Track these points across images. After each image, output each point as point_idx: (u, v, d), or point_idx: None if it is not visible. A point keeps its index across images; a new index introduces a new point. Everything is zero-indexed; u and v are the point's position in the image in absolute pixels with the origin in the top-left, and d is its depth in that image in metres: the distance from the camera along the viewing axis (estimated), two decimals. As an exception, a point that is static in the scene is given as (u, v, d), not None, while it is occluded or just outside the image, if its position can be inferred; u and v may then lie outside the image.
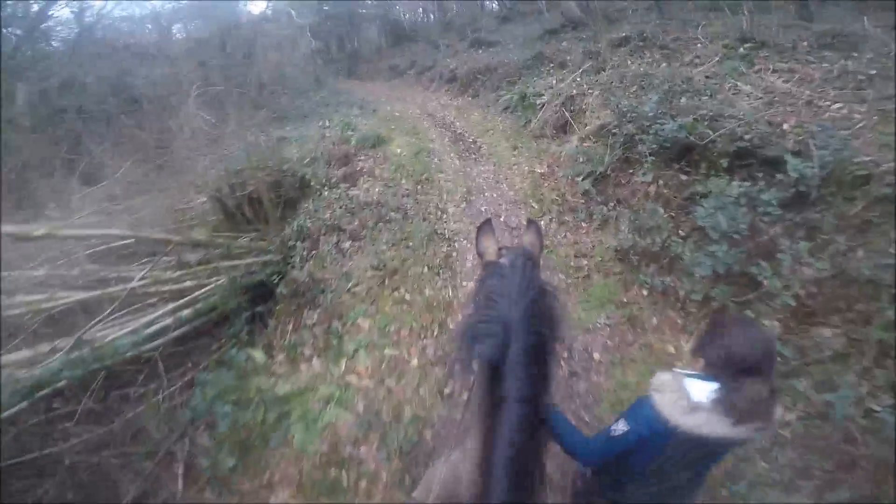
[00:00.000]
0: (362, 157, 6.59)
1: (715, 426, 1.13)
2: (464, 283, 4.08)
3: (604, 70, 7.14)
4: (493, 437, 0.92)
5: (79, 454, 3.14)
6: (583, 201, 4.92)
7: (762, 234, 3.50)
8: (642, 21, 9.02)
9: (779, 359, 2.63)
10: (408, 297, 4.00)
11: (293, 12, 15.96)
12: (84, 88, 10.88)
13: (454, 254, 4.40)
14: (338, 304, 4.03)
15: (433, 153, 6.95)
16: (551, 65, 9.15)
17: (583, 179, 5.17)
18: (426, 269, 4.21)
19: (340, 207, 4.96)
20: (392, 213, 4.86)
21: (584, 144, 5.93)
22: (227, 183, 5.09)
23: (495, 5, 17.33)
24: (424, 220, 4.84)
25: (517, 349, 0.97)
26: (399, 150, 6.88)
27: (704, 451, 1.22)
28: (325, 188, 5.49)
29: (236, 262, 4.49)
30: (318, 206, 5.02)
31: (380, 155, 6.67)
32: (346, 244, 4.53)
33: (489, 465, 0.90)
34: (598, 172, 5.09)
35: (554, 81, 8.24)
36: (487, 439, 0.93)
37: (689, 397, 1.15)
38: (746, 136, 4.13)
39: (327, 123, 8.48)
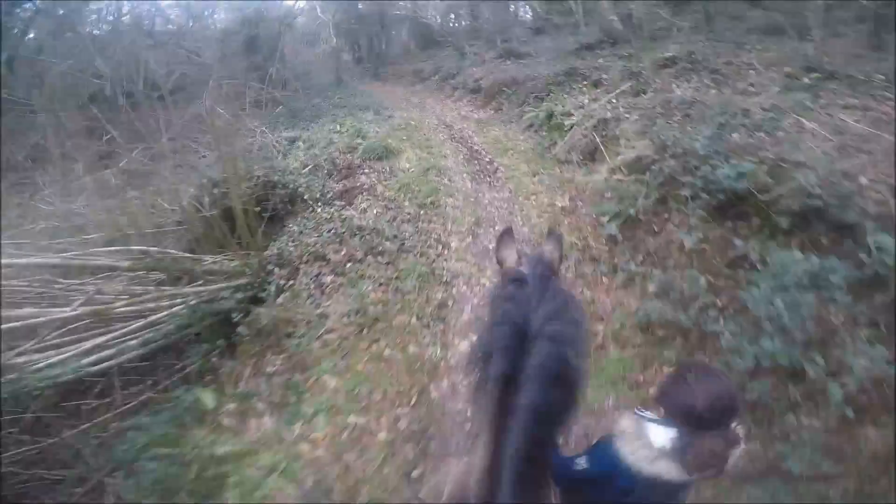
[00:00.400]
0: (366, 170, 6.00)
1: (678, 473, 1.15)
2: (456, 342, 3.42)
3: (644, 93, 6.38)
4: (501, 448, 0.90)
5: (11, 466, 2.80)
6: (607, 249, 4.19)
7: (822, 323, 2.80)
8: (689, 41, 8.20)
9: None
10: (387, 352, 3.36)
11: (318, 7, 15.63)
12: (106, 74, 10.66)
13: (450, 302, 3.73)
14: (305, 353, 3.42)
15: (444, 172, 6.30)
16: (584, 82, 8.41)
17: (609, 220, 4.44)
18: (414, 318, 3.56)
19: (329, 231, 4.36)
20: (386, 243, 4.22)
21: (615, 178, 5.19)
22: (207, 192, 4.56)
23: (528, 15, 16.62)
24: (422, 255, 4.19)
25: (534, 363, 0.93)
26: (408, 166, 6.27)
27: (670, 492, 1.22)
28: (319, 204, 4.91)
29: (202, 287, 3.93)
30: (304, 226, 4.43)
31: (386, 169, 6.07)
32: (328, 278, 3.92)
33: (497, 474, 0.89)
34: (628, 214, 4.35)
35: (586, 101, 7.51)
36: (496, 448, 0.91)
37: (651, 445, 1.17)
38: (816, 191, 3.37)
39: (338, 128, 7.95)
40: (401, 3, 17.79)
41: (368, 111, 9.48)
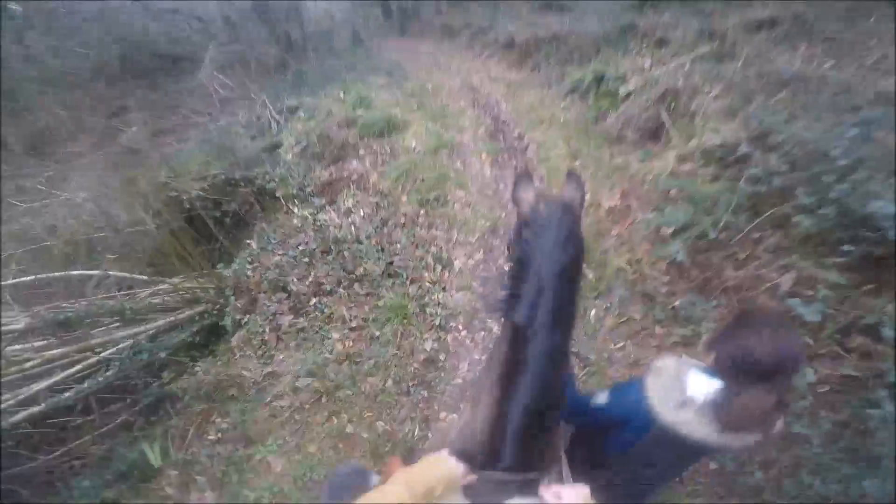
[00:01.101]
0: (362, 151, 4.90)
1: (698, 428, 1.01)
2: (442, 415, 2.43)
3: (730, 60, 4.81)
4: (509, 399, 0.91)
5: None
6: (667, 280, 2.97)
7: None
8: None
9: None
10: (350, 429, 2.42)
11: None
12: (107, 47, 9.86)
13: (441, 356, 2.69)
14: (250, 423, 2.56)
15: (459, 151, 5.10)
16: (645, 42, 6.77)
17: (674, 236, 3.19)
18: (389, 381, 2.57)
19: (298, 247, 3.37)
20: (367, 265, 3.18)
21: (686, 168, 3.87)
22: (164, 194, 3.67)
23: None
24: (413, 280, 3.14)
25: (546, 311, 0.93)
26: (413, 144, 5.09)
27: (682, 451, 1.08)
28: (295, 202, 3.91)
29: (141, 327, 3.09)
30: (268, 240, 3.46)
31: (386, 149, 4.93)
32: (285, 319, 2.96)
33: (503, 427, 0.90)
34: (701, 230, 3.09)
35: (648, 64, 5.95)
36: (504, 399, 0.92)
37: (684, 390, 1.04)
38: None
39: (341, 95, 6.81)
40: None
41: (382, 73, 8.21)
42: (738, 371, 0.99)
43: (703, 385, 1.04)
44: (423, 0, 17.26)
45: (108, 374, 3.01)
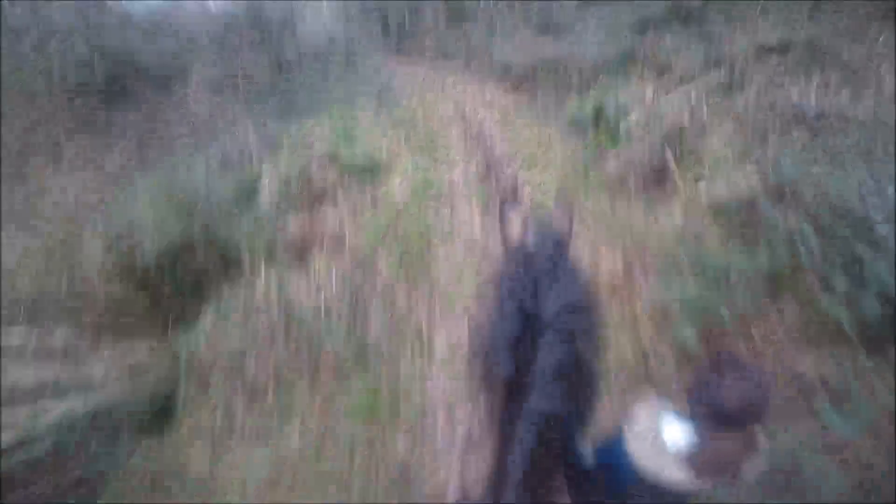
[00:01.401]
0: (340, 197, 4.53)
1: (677, 475, 1.02)
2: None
3: (740, 90, 4.48)
4: (507, 454, 0.83)
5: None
6: (674, 372, 2.57)
7: None
8: (790, 21, 5.94)
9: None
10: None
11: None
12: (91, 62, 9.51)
13: (412, 461, 2.29)
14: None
15: (446, 195, 4.74)
16: (647, 68, 6.46)
17: (684, 318, 2.79)
18: (354, 495, 2.17)
19: (260, 321, 2.98)
20: (335, 347, 2.80)
21: (694, 224, 3.51)
22: (114, 253, 3.30)
23: None
24: (389, 362, 2.74)
25: (544, 363, 0.83)
26: (397, 188, 4.74)
27: (672, 499, 1.07)
28: (262, 263, 3.53)
29: (77, 400, 2.70)
30: (223, 313, 3.07)
31: (367, 197, 4.56)
32: (240, 407, 2.57)
33: (503, 479, 0.83)
34: (715, 311, 2.69)
35: (650, 94, 5.64)
36: (503, 454, 0.84)
37: (664, 448, 1.05)
38: None
39: (326, 123, 6.47)
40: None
41: (372, 97, 7.90)
42: (706, 415, 1.02)
43: (678, 433, 1.05)
44: (421, 21, 17.16)
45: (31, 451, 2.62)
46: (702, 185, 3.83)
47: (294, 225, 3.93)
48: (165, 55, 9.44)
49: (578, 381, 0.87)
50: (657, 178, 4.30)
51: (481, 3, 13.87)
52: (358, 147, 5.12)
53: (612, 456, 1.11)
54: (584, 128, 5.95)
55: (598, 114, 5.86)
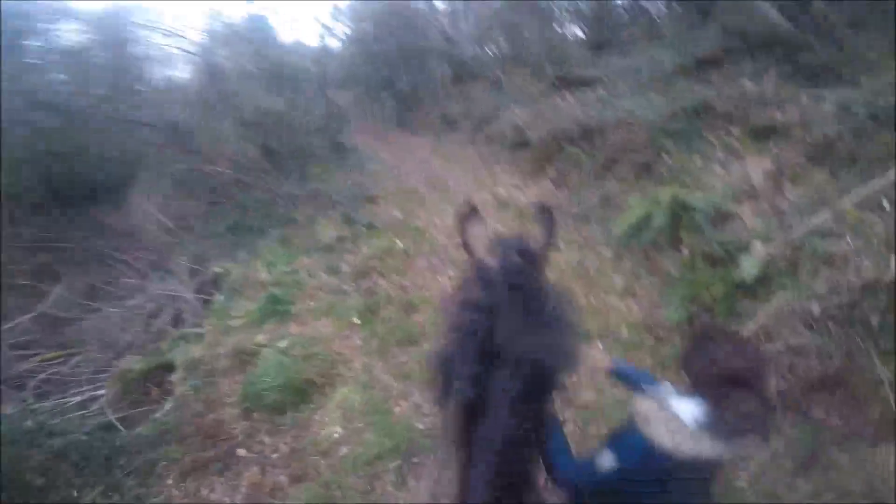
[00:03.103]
0: (242, 451, 2.31)
1: (710, 447, 1.04)
2: None
3: None
4: (469, 477, 0.82)
5: None
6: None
7: None
8: None
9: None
10: None
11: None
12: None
13: None
14: None
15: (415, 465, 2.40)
16: (730, 128, 4.21)
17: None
18: None
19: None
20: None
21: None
22: None
23: (578, 32, 12.18)
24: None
25: (501, 388, 0.80)
26: (340, 428, 2.47)
27: (703, 474, 1.15)
28: None
29: None
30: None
31: (285, 447, 2.32)
32: None
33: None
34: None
35: (758, 173, 3.36)
36: (465, 477, 0.83)
37: (684, 424, 1.05)
38: None
39: (262, 269, 4.44)
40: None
41: (345, 210, 5.93)
42: (716, 384, 1.05)
43: (690, 408, 1.06)
44: (425, 84, 15.96)
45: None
46: None
47: None
48: (122, 153, 7.91)
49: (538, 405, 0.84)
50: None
51: (483, 65, 12.37)
52: (274, 364, 2.98)
53: (637, 449, 1.09)
54: (657, 245, 3.63)
55: (674, 217, 3.55)
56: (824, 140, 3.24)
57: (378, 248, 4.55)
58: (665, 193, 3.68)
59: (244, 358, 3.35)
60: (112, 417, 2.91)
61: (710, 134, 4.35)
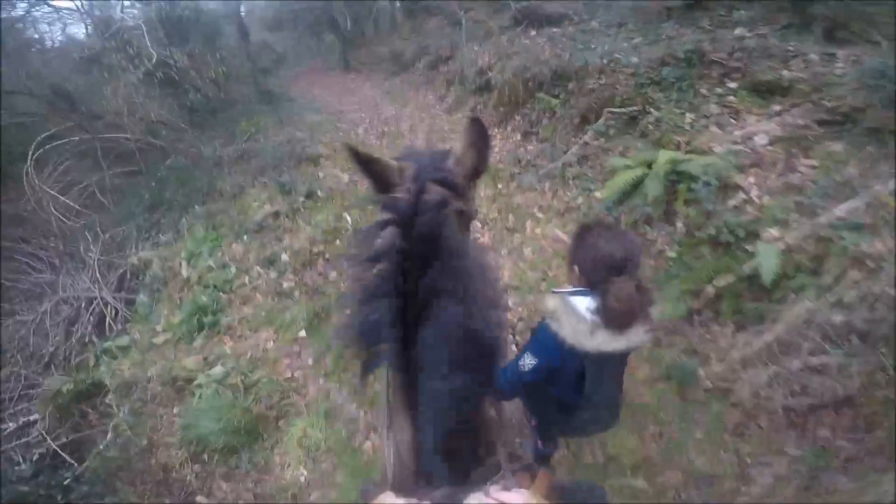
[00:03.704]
0: (203, 501, 1.95)
1: (612, 340, 1.13)
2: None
3: None
4: (419, 433, 0.77)
5: None
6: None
7: None
8: None
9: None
10: None
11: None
12: None
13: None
14: None
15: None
16: (729, 81, 3.67)
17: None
18: None
19: None
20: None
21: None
22: None
23: None
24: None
25: (428, 340, 0.71)
26: (305, 470, 2.05)
27: (614, 361, 1.24)
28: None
29: None
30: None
31: (247, 495, 1.97)
32: None
33: (425, 450, 0.77)
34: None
35: (764, 141, 2.90)
36: (414, 433, 0.78)
37: (584, 317, 1.14)
38: None
39: (183, 267, 3.64)
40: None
41: (278, 169, 5.00)
42: (598, 271, 1.13)
43: (587, 302, 1.14)
44: (376, 23, 14.03)
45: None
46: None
47: None
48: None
49: (471, 353, 0.72)
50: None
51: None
52: (215, 410, 2.38)
53: (550, 345, 1.16)
54: (647, 221, 3.17)
55: (673, 192, 3.07)
56: (843, 106, 2.77)
57: (323, 226, 3.81)
58: (662, 157, 3.16)
59: (178, 385, 2.74)
60: (55, 446, 2.55)
61: (702, 86, 3.80)
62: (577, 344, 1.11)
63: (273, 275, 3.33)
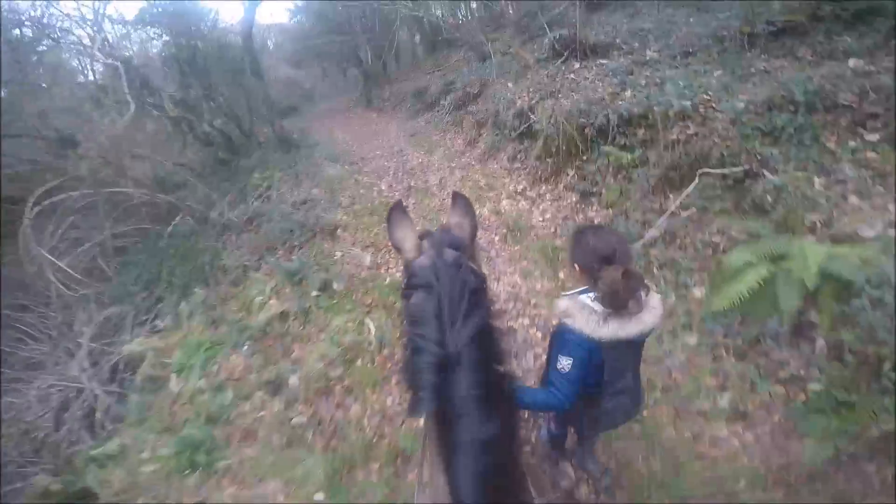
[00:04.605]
0: None
1: (621, 328, 1.23)
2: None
3: None
4: (457, 484, 0.83)
5: None
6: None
7: None
8: None
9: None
10: None
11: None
12: None
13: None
14: None
15: None
16: (860, 132, 2.82)
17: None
18: None
19: None
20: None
21: None
22: None
23: None
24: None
25: (464, 393, 0.82)
26: None
27: (629, 349, 1.33)
28: None
29: None
30: None
31: None
32: None
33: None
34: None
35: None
36: (453, 484, 0.83)
37: (593, 309, 1.24)
38: None
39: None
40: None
41: (292, 248, 4.28)
42: (592, 263, 1.25)
43: (591, 296, 1.26)
44: (392, 58, 13.74)
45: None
46: None
47: None
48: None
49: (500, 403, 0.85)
50: None
51: (459, 30, 10.19)
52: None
53: (574, 342, 1.25)
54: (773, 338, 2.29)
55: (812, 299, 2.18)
56: None
57: (341, 336, 3.02)
58: (804, 250, 2.27)
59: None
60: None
61: (829, 139, 2.95)
62: (593, 333, 1.21)
63: (279, 405, 2.55)
